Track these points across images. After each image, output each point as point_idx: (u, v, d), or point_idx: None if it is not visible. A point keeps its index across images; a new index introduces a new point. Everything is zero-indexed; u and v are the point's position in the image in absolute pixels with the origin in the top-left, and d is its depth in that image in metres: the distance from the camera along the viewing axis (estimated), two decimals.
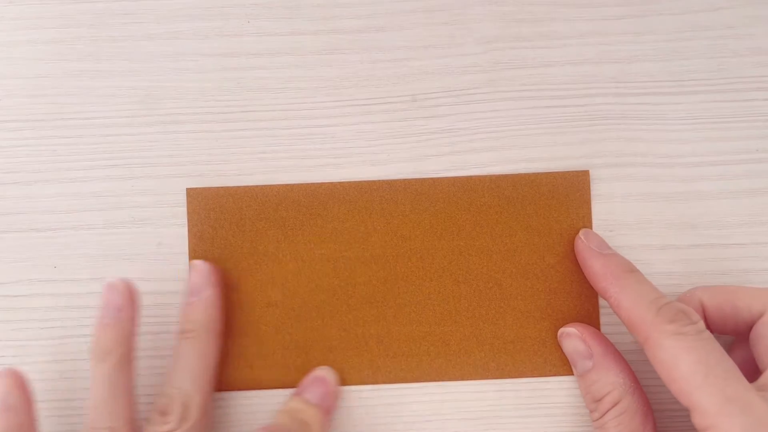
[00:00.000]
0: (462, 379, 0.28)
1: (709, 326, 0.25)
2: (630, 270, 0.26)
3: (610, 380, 0.25)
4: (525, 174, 0.28)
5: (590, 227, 0.28)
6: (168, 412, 0.25)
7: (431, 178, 0.28)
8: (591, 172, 0.29)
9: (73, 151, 0.29)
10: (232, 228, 0.28)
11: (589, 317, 0.28)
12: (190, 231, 0.28)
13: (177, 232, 0.29)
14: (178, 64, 0.29)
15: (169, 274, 0.29)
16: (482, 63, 0.30)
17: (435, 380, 0.28)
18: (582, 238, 0.27)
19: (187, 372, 0.25)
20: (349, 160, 0.29)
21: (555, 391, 0.28)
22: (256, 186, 0.28)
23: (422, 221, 0.28)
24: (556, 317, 0.28)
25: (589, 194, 0.28)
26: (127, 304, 0.25)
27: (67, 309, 0.29)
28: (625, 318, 0.24)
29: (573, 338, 0.27)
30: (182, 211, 0.29)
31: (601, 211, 0.29)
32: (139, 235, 0.29)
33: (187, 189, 0.28)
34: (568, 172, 0.28)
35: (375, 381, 0.28)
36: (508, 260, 0.28)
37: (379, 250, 0.28)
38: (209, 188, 0.28)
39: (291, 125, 0.29)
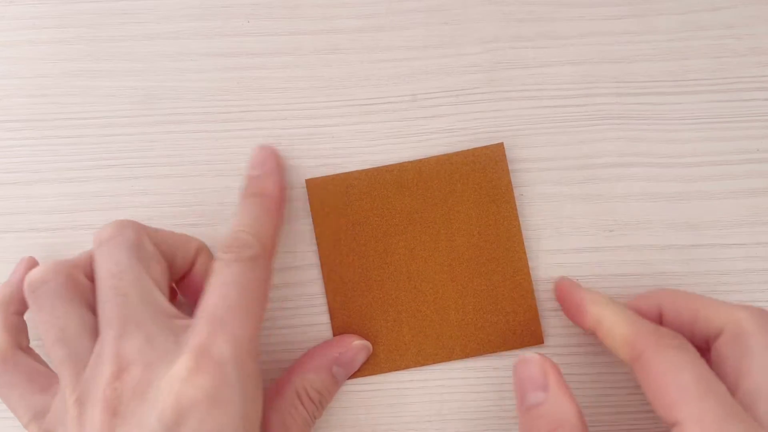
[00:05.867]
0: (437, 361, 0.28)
1: None
2: (613, 299, 0.25)
3: (560, 416, 0.22)
4: (444, 155, 0.29)
5: (512, 198, 0.28)
6: (232, 244, 0.24)
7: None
8: (590, 172, 0.29)
9: (73, 151, 0.29)
10: (355, 213, 0.28)
11: (522, 279, 0.28)
12: (315, 221, 0.28)
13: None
14: (178, 64, 0.29)
15: None
16: (482, 63, 0.29)
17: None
18: (565, 280, 0.28)
19: (253, 219, 0.25)
20: (349, 160, 0.29)
21: None
22: (368, 169, 0.29)
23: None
24: (492, 292, 0.28)
25: (506, 165, 0.28)
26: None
27: None
28: (620, 337, 0.23)
29: (531, 364, 0.23)
30: (182, 211, 0.29)
31: (601, 211, 0.29)
32: None
33: (306, 180, 0.28)
34: (484, 146, 0.29)
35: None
36: (448, 241, 0.28)
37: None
38: (327, 177, 0.28)
39: (291, 125, 0.29)
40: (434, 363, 0.28)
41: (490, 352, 0.28)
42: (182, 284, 0.27)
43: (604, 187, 0.29)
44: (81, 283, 0.24)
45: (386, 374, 0.28)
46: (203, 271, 0.26)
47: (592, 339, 0.28)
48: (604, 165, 0.29)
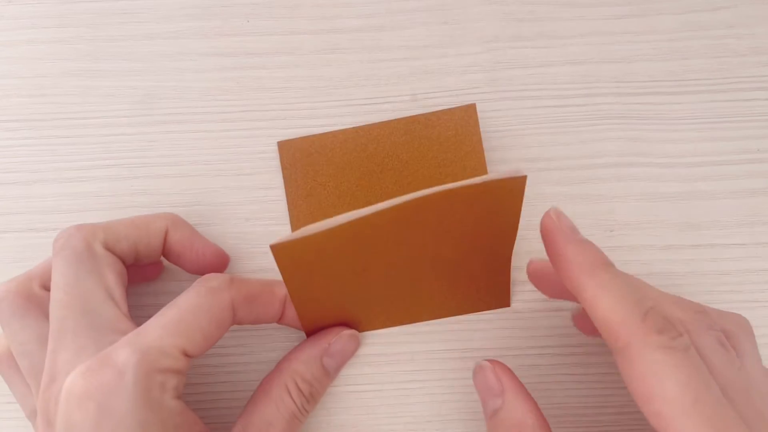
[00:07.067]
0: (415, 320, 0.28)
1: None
2: (607, 263, 0.21)
3: (518, 418, 0.22)
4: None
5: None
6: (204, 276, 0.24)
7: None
8: (590, 172, 0.29)
9: (73, 151, 0.29)
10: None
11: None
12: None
13: None
14: (178, 64, 0.29)
15: (169, 274, 0.29)
16: (482, 63, 0.29)
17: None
18: (553, 217, 0.22)
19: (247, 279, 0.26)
20: None
21: (557, 392, 0.28)
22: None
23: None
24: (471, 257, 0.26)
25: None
26: None
27: None
28: (602, 318, 0.20)
29: (486, 372, 0.24)
30: (182, 211, 0.29)
31: (601, 211, 0.29)
32: None
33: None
34: (503, 179, 0.21)
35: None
36: (436, 245, 0.25)
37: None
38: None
39: (291, 125, 0.29)
40: (400, 325, 0.28)
41: (457, 314, 0.28)
42: (167, 256, 0.27)
43: (604, 187, 0.29)
44: (36, 295, 0.24)
45: (386, 375, 0.28)
46: (178, 241, 0.26)
47: (594, 340, 0.28)
48: (604, 165, 0.29)
